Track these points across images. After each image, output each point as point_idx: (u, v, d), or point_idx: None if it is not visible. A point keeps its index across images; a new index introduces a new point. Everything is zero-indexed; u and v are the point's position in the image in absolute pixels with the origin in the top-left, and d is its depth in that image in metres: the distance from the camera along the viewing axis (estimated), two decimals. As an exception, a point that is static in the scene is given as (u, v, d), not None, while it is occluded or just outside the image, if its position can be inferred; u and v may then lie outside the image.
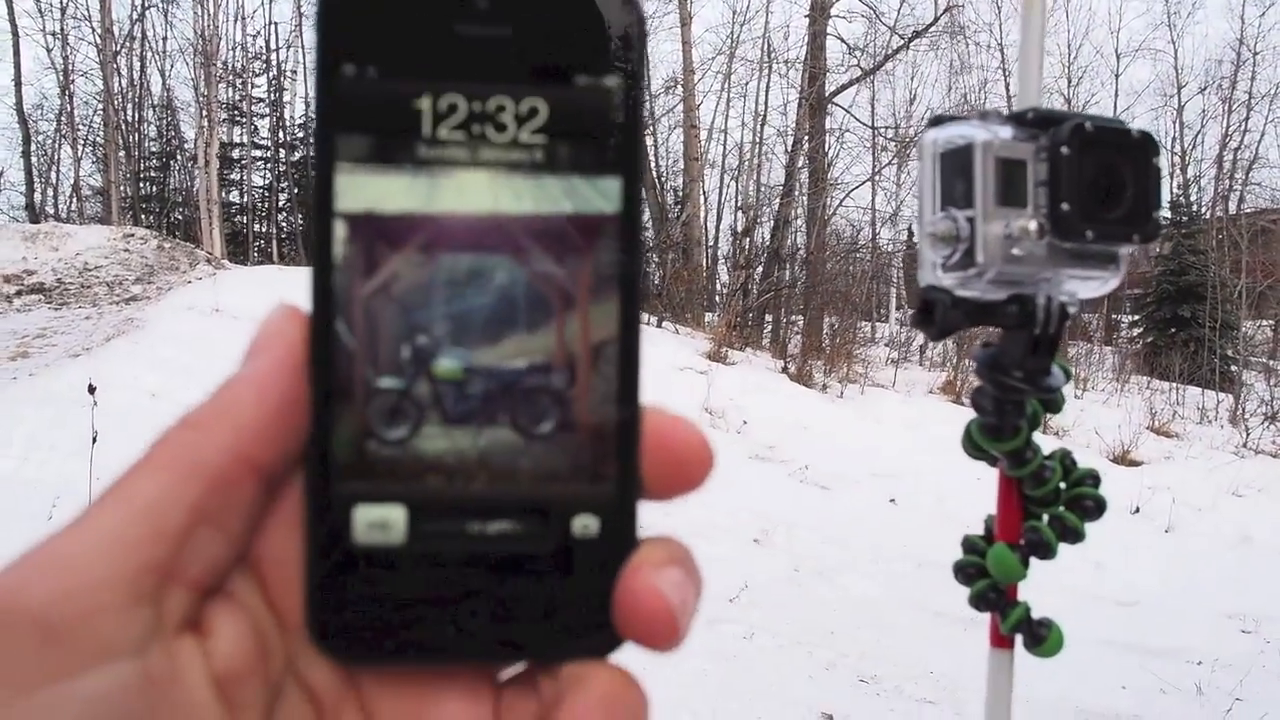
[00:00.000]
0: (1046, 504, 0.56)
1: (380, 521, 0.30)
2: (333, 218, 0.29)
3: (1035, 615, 0.58)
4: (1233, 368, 18.43)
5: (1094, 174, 0.48)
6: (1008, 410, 0.53)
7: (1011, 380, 0.51)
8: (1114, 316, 26.65)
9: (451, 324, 0.30)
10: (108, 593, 0.26)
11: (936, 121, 0.48)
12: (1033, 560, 0.58)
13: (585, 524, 0.31)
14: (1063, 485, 0.55)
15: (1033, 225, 0.46)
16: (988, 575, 0.56)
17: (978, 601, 0.57)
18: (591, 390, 0.31)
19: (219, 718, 0.28)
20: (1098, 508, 0.54)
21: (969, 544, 0.60)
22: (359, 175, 0.29)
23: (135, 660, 0.26)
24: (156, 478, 0.29)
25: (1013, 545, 0.57)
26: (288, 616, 0.31)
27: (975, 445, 0.57)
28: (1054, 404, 0.55)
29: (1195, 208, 26.14)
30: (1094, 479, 0.55)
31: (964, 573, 0.58)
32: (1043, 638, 0.56)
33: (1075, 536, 0.54)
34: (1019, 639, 0.56)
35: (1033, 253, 0.47)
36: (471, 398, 0.31)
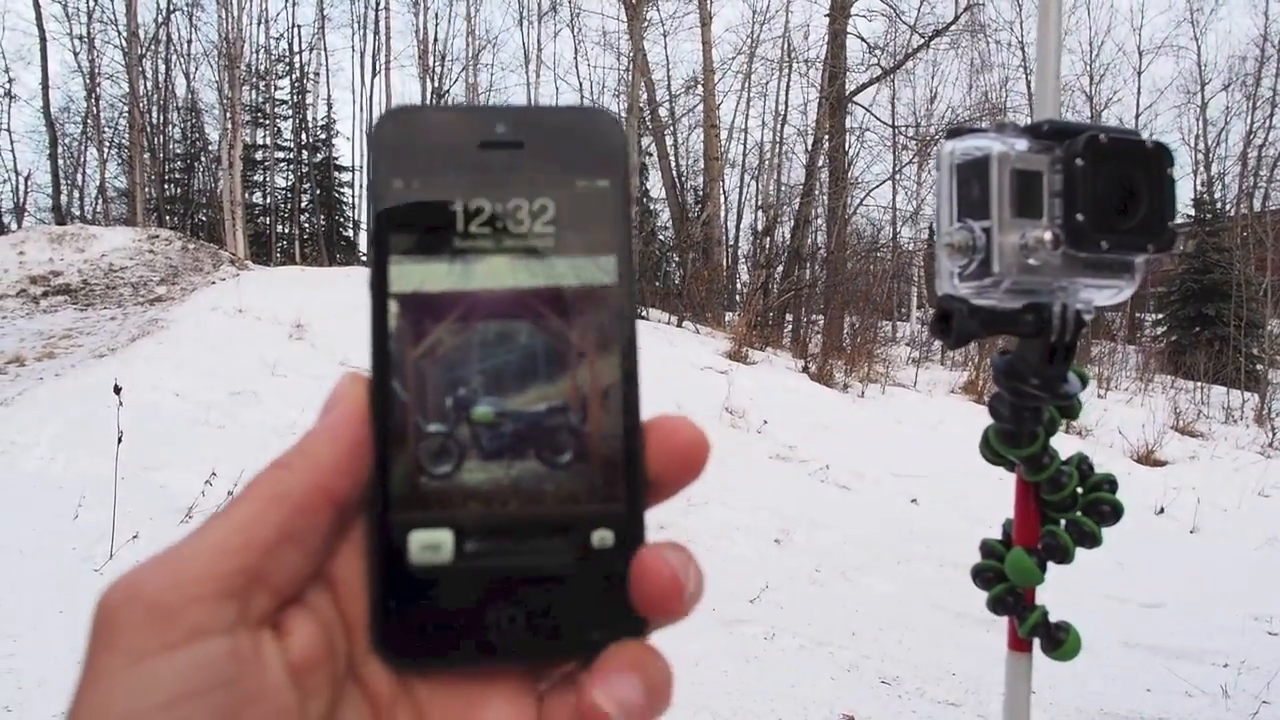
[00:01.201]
0: (1064, 509, 0.56)
1: (432, 544, 0.36)
2: (388, 298, 0.37)
3: (1054, 618, 0.58)
4: (1258, 366, 18.25)
5: (1108, 185, 0.48)
6: (1025, 417, 0.53)
7: (1028, 388, 0.51)
8: (1138, 315, 26.43)
9: (485, 378, 0.37)
10: (205, 585, 0.32)
11: (954, 133, 0.49)
12: (1059, 565, 0.58)
13: (603, 536, 0.37)
14: (1080, 490, 0.56)
15: (1048, 236, 0.47)
16: (1006, 579, 0.57)
17: (996, 605, 0.58)
18: (601, 426, 0.38)
19: (291, 696, 0.34)
20: (1114, 513, 0.54)
21: (987, 548, 0.61)
22: (407, 264, 0.37)
23: (225, 639, 0.32)
24: (251, 504, 0.35)
25: (1030, 550, 0.57)
26: (354, 626, 0.37)
27: (993, 451, 0.57)
28: (1071, 410, 0.55)
29: (1219, 205, 25.86)
30: (1111, 484, 0.55)
31: (982, 577, 0.58)
32: (1061, 641, 0.56)
33: (1092, 541, 0.55)
34: (1037, 642, 0.56)
35: (1048, 263, 0.48)
36: (503, 437, 0.37)
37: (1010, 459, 0.56)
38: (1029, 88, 23.58)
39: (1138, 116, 27.62)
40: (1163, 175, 0.49)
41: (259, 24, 27.63)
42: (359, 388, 0.37)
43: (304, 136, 30.05)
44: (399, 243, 0.37)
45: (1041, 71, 0.52)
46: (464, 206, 0.38)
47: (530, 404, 0.38)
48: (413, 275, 0.37)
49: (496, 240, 0.38)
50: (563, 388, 0.38)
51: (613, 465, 0.38)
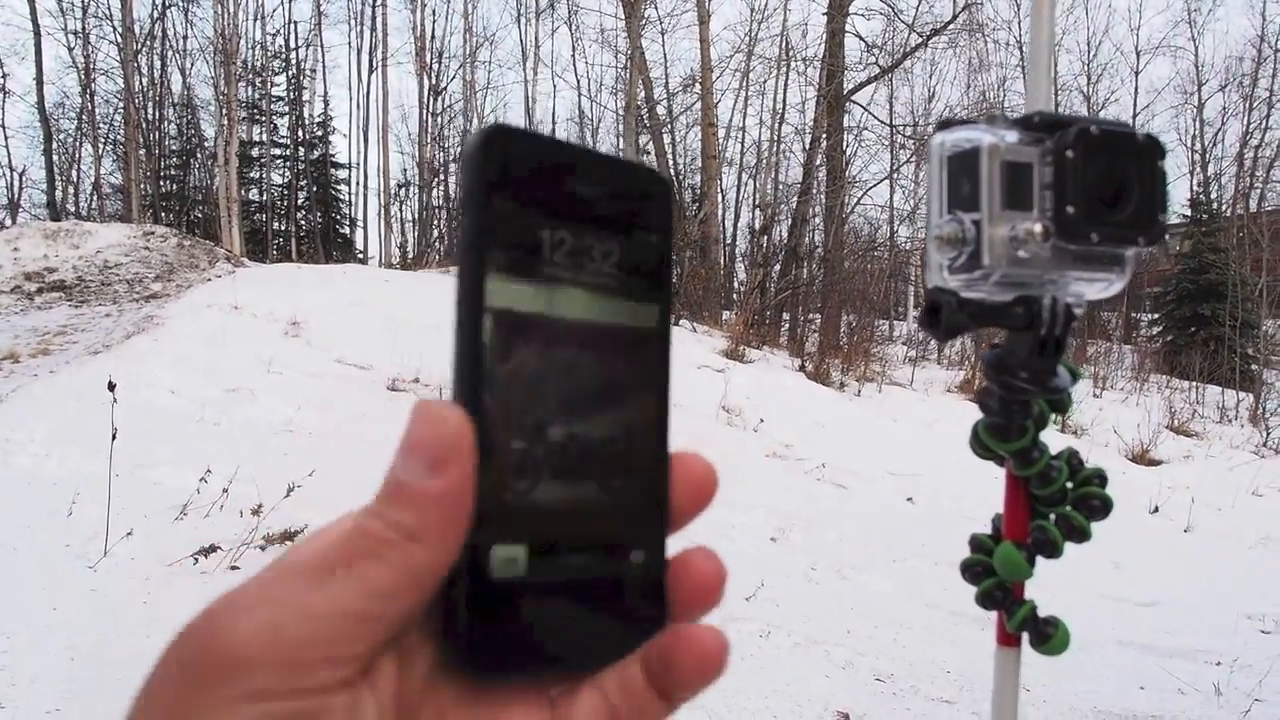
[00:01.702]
0: (1053, 503, 0.56)
1: (510, 558, 0.37)
2: (483, 313, 0.37)
3: (1044, 614, 0.58)
4: (1253, 366, 18.29)
5: (1099, 177, 0.48)
6: (1014, 411, 0.53)
7: (1018, 381, 0.51)
8: (1133, 315, 26.47)
9: (559, 400, 0.39)
10: (314, 651, 0.33)
11: (944, 125, 0.49)
12: (1048, 560, 0.58)
13: (637, 555, 0.41)
14: (1069, 485, 0.55)
15: (1038, 228, 0.46)
16: (994, 574, 0.57)
17: (984, 600, 0.58)
18: (644, 456, 0.41)
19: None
20: (1104, 507, 0.54)
21: (976, 543, 0.60)
22: (502, 282, 0.38)
23: (309, 702, 0.33)
24: (383, 570, 0.35)
25: (1019, 544, 0.57)
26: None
27: (983, 445, 0.57)
28: (1061, 404, 0.55)
29: (1216, 205, 25.88)
30: (1101, 479, 0.55)
31: (971, 571, 0.58)
32: (1049, 636, 0.56)
33: (1081, 536, 0.54)
34: (1026, 637, 0.56)
35: (1038, 255, 0.48)
36: (572, 459, 0.39)
37: (1000, 453, 0.56)
38: (1027, 88, 23.59)
39: (1134, 116, 27.60)
40: (1154, 168, 0.49)
41: (255, 20, 27.62)
42: (467, 435, 0.36)
43: (300, 133, 30.00)
44: (497, 257, 0.38)
45: (1034, 64, 0.52)
46: (550, 236, 0.39)
47: (593, 429, 0.40)
48: (507, 293, 0.38)
49: (574, 273, 0.40)
50: (618, 419, 0.41)
51: (649, 492, 0.41)
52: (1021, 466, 0.55)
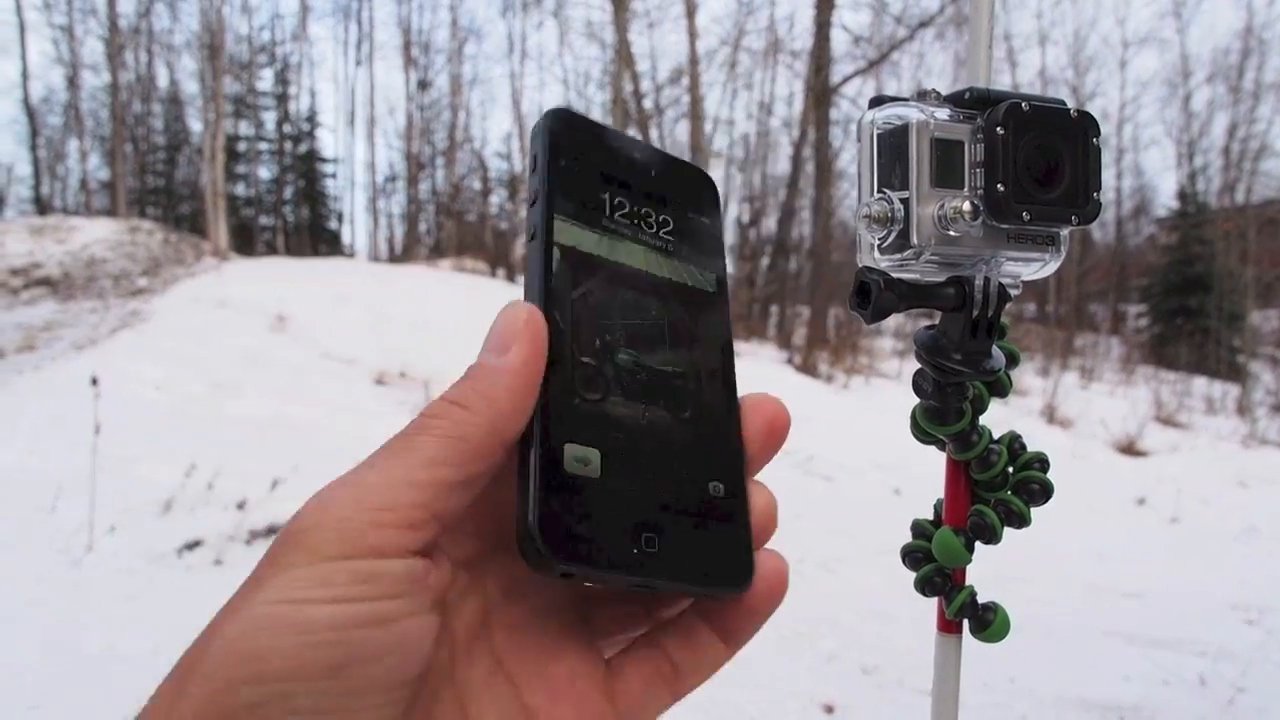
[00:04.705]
0: (994, 488, 0.55)
1: (583, 457, 0.39)
2: (553, 245, 0.42)
3: (984, 599, 0.57)
4: (1240, 358, 18.36)
5: (1030, 154, 0.48)
6: (949, 393, 0.53)
7: (950, 363, 0.50)
8: (1120, 307, 26.55)
9: (625, 331, 0.43)
10: (389, 514, 0.35)
11: (875, 102, 0.48)
12: (986, 545, 0.57)
13: (716, 487, 0.43)
14: (1010, 470, 0.55)
15: (966, 206, 0.46)
16: (934, 559, 0.56)
17: (923, 586, 0.57)
18: (712, 396, 0.44)
19: (435, 623, 0.37)
20: (1044, 492, 0.53)
21: (918, 528, 0.60)
22: (568, 224, 0.43)
23: (400, 562, 0.35)
24: (434, 441, 0.37)
25: (957, 529, 0.56)
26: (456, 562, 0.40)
27: (921, 429, 0.57)
28: (1000, 386, 0.55)
29: (1203, 198, 25.94)
30: (1042, 463, 0.54)
31: (911, 557, 0.58)
32: (988, 622, 0.55)
33: (1020, 521, 0.54)
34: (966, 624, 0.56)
35: (969, 234, 0.47)
36: (640, 384, 0.42)
37: (939, 437, 0.56)
38: (1014, 80, 23.63)
39: (1121, 109, 27.68)
40: (1088, 145, 0.49)
41: (241, 14, 27.49)
42: (536, 321, 0.40)
43: (287, 128, 29.87)
44: (562, 205, 0.43)
45: (973, 37, 0.51)
46: (610, 197, 0.45)
47: (660, 363, 0.43)
48: (572, 233, 0.43)
49: (633, 232, 0.45)
50: (683, 358, 0.44)
51: (720, 430, 0.44)
52: (960, 450, 0.55)
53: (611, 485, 0.40)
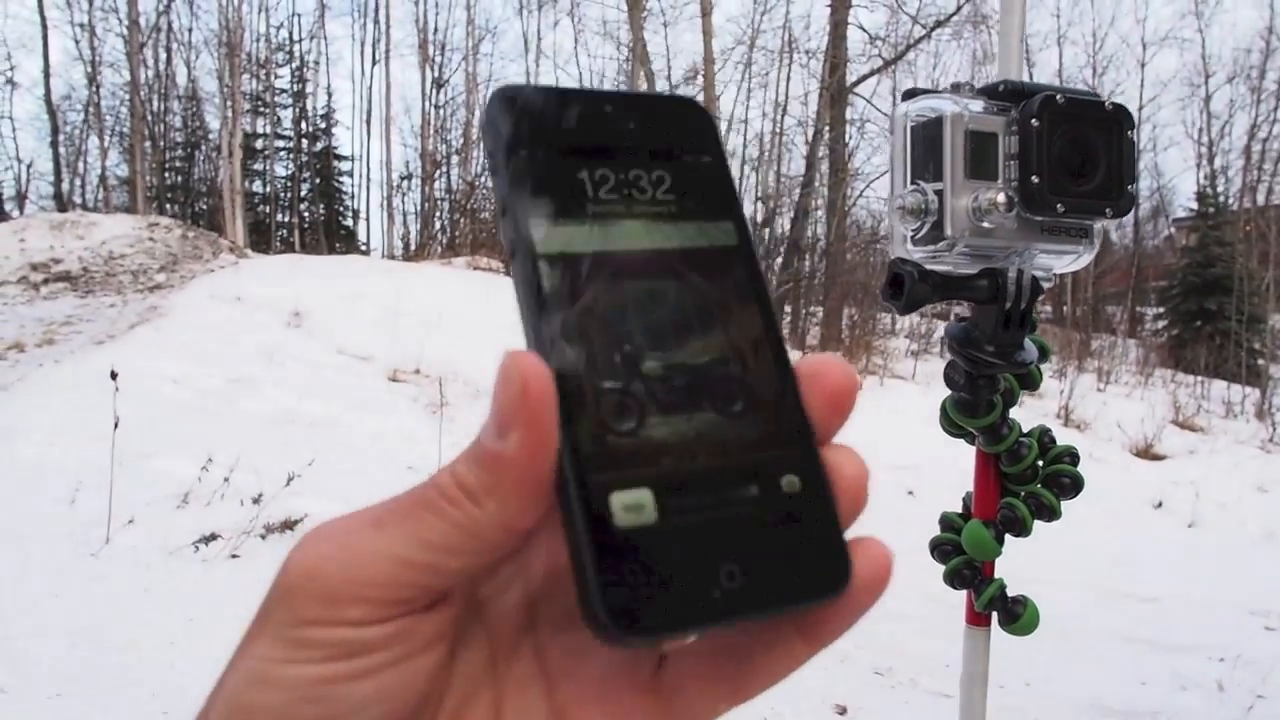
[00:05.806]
0: (1023, 481, 0.55)
1: (634, 504, 0.34)
2: (538, 260, 0.36)
3: (1014, 593, 0.57)
4: (1259, 361, 18.21)
5: (1065, 147, 0.47)
6: (980, 385, 0.52)
7: (983, 355, 0.50)
8: (1138, 309, 26.39)
9: (646, 333, 0.37)
10: (377, 591, 0.33)
11: (909, 95, 0.48)
12: (1017, 539, 0.57)
13: (790, 481, 0.36)
14: (1040, 463, 0.54)
15: (1001, 198, 0.45)
16: (964, 552, 0.56)
17: (952, 578, 0.57)
18: (760, 374, 0.38)
19: (429, 684, 0.35)
20: (1074, 485, 0.53)
21: (946, 521, 0.60)
22: (549, 227, 0.37)
23: (381, 629, 0.33)
24: (442, 527, 0.34)
25: (988, 522, 0.56)
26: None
27: (951, 422, 0.56)
28: (1031, 380, 0.54)
29: (1222, 199, 25.75)
30: (1072, 456, 0.54)
31: (940, 549, 0.57)
32: (1018, 615, 0.55)
33: (1051, 514, 0.53)
34: (995, 616, 0.55)
35: (1003, 226, 0.47)
36: (677, 390, 0.37)
37: (969, 430, 0.55)
38: (1031, 79, 23.46)
39: (1141, 109, 27.48)
40: (1122, 138, 0.48)
41: (259, 12, 27.56)
42: (536, 391, 0.34)
43: (304, 125, 29.98)
44: (536, 206, 0.37)
45: (1005, 30, 0.51)
46: (590, 175, 0.38)
47: (694, 357, 0.37)
48: (556, 236, 0.37)
49: (627, 206, 0.39)
50: (718, 340, 0.38)
51: (780, 411, 0.38)
52: (990, 443, 0.54)
53: (674, 525, 0.34)
